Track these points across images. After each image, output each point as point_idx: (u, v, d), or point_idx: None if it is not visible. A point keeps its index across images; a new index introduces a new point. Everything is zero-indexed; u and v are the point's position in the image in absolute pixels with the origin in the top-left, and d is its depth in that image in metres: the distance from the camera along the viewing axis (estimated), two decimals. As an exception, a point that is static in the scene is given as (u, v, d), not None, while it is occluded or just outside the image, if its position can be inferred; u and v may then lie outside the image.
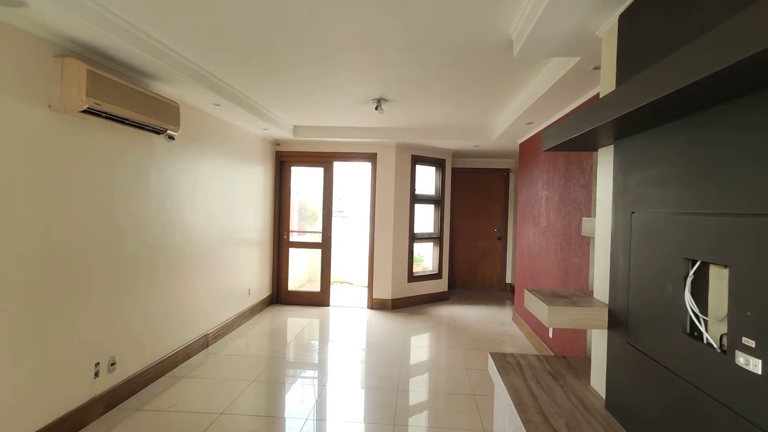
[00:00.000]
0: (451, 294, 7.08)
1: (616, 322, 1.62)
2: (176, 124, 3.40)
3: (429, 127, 5.68)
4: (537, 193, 4.85)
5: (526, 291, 1.98)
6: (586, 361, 2.10)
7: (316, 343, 4.82)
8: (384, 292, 6.29)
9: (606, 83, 1.85)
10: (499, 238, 7.95)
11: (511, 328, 5.45)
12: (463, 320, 5.80)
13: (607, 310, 1.69)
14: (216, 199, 4.57)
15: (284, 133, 5.68)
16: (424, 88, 3.90)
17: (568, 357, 2.13)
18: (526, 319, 5.19)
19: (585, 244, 3.39)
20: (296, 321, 5.67)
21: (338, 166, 6.53)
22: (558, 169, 4.15)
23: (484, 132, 5.73)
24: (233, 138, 4.95)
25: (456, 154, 7.20)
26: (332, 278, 7.97)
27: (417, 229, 6.66)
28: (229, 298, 4.96)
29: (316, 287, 6.65)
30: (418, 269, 6.75)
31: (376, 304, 6.29)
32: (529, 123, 4.56)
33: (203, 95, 3.71)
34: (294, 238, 7.02)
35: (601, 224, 1.86)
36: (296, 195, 7.91)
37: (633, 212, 1.51)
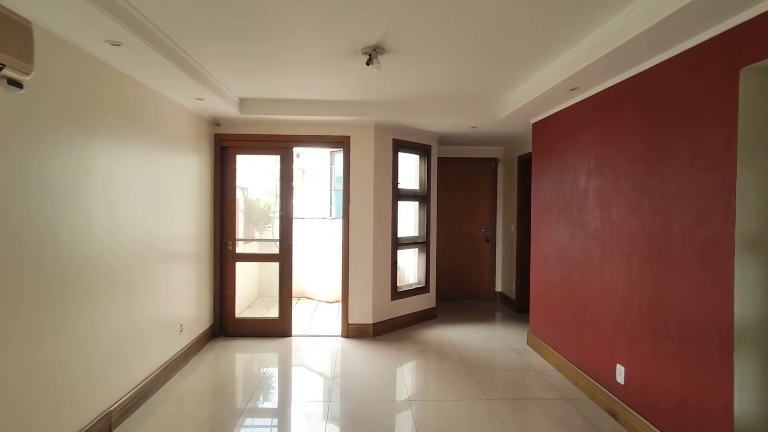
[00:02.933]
0: (437, 310, 5.84)
1: None
2: (25, 59, 1.84)
3: (421, 98, 4.37)
4: (575, 182, 3.68)
5: None
6: None
7: (286, 407, 3.37)
8: (363, 315, 4.91)
9: None
10: (487, 240, 6.82)
11: (533, 357, 4.28)
12: (467, 347, 4.56)
13: None
14: (125, 199, 2.99)
15: (227, 108, 4.14)
16: (443, 32, 2.61)
17: None
18: (553, 344, 4.03)
19: (714, 257, 2.22)
20: (249, 365, 4.16)
21: (300, 155, 5.06)
22: (630, 145, 2.98)
23: (492, 107, 4.50)
24: (150, 109, 3.36)
25: (440, 140, 5.95)
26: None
27: (400, 233, 5.34)
28: (149, 343, 3.37)
29: (273, 311, 5.14)
30: (401, 283, 5.44)
31: (353, 332, 4.89)
32: (573, 89, 3.37)
33: (87, 19, 2.15)
34: (242, 248, 5.45)
35: None
36: (244, 193, 6.31)
37: None
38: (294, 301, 6.82)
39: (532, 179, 4.66)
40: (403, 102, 4.45)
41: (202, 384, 3.62)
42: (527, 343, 4.65)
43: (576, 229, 3.66)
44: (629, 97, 2.96)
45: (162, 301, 3.56)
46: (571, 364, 3.70)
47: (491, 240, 6.81)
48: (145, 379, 3.29)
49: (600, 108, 3.31)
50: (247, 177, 6.04)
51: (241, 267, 5.31)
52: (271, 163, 4.95)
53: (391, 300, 5.13)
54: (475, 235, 6.84)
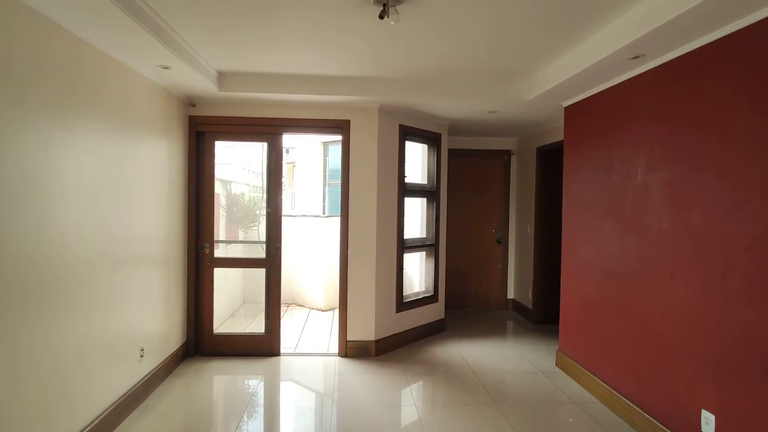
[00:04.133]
0: (446, 321, 5.15)
1: None
2: None
3: (437, 75, 3.66)
4: (629, 175, 3.00)
5: None
6: None
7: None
8: (363, 330, 4.19)
9: None
10: (498, 241, 6.14)
11: (567, 383, 3.61)
12: (486, 369, 3.88)
13: None
14: (64, 190, 2.23)
15: (203, 83, 3.39)
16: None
17: None
18: (594, 369, 3.36)
19: None
20: (228, 395, 3.43)
21: (290, 150, 4.33)
22: (725, 123, 2.31)
23: (519, 86, 3.82)
24: (98, 78, 2.61)
25: (449, 129, 5.24)
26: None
27: (406, 234, 4.64)
28: (98, 373, 2.62)
29: (259, 321, 4.41)
30: (406, 291, 4.74)
31: (352, 350, 4.18)
32: (636, 57, 2.69)
33: None
34: (222, 251, 4.69)
35: None
36: (226, 187, 5.56)
37: None
38: (283, 308, 6.11)
39: (565, 173, 3.98)
40: (415, 79, 3.74)
41: (166, 425, 2.88)
42: (557, 364, 3.98)
43: (630, 232, 2.98)
44: (724, 59, 2.28)
45: (116, 318, 2.81)
46: (622, 397, 3.03)
47: (503, 242, 6.14)
48: (93, 422, 2.55)
49: (673, 79, 2.63)
50: (228, 168, 5.29)
51: (222, 271, 4.57)
52: (256, 151, 4.20)
53: (397, 312, 4.43)
54: (484, 236, 6.17)
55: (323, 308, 6.04)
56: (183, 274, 3.97)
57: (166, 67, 3.01)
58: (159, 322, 3.47)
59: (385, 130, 4.23)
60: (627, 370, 3.00)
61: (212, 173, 4.11)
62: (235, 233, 5.66)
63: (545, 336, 4.86)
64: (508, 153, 6.13)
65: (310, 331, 5.02)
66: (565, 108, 3.94)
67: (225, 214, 5.45)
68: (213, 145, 4.10)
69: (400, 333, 4.46)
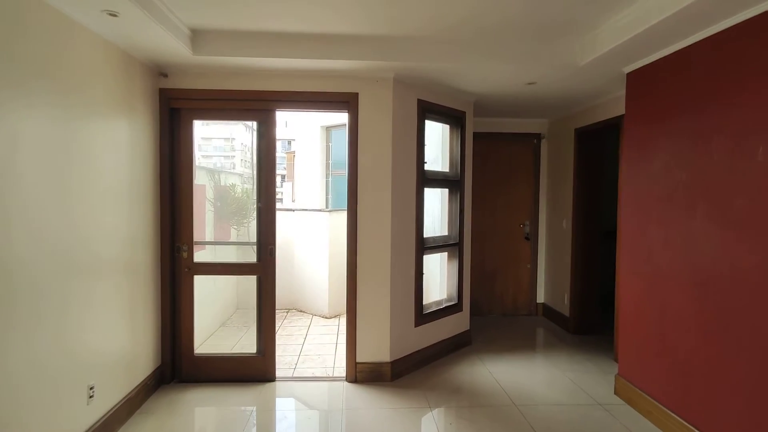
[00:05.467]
0: (471, 332, 4.39)
1: None
2: None
3: (467, 32, 2.88)
4: (740, 154, 2.22)
5: None
6: None
7: None
8: (377, 349, 3.45)
9: None
10: (527, 238, 5.38)
11: (636, 422, 2.85)
12: (530, 399, 3.14)
13: None
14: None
15: (170, 42, 2.62)
16: None
17: None
18: (680, 410, 2.61)
19: None
20: (207, 437, 2.70)
21: (288, 132, 3.58)
22: None
23: (572, 46, 3.04)
24: (18, 30, 1.84)
25: (474, 107, 4.45)
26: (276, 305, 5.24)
27: (427, 232, 3.88)
28: (23, 424, 1.90)
29: (249, 344, 3.67)
30: (426, 299, 3.99)
31: (363, 373, 3.43)
32: (769, -17, 1.90)
33: None
34: (207, 254, 3.96)
35: None
36: (213, 177, 4.81)
37: None
38: (282, 314, 5.41)
39: (624, 155, 3.21)
40: (441, 39, 2.96)
41: (119, 492, 2.16)
42: (616, 393, 3.23)
43: (739, 229, 2.21)
44: None
45: (49, 346, 2.08)
46: (726, 450, 2.28)
47: (532, 238, 5.37)
48: (8, 501, 1.82)
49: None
50: (214, 155, 4.53)
51: (206, 284, 3.83)
52: (243, 131, 3.44)
53: (416, 326, 3.68)
54: (511, 231, 5.40)
55: (327, 315, 5.31)
56: (155, 284, 3.23)
57: (113, 14, 2.23)
58: (120, 346, 2.74)
59: (401, 106, 3.46)
60: (735, 413, 2.24)
61: (191, 159, 3.36)
62: (226, 232, 4.92)
63: (590, 351, 4.11)
64: (538, 136, 5.34)
65: (313, 345, 4.29)
66: (629, 75, 3.15)
67: (213, 209, 4.70)
68: (190, 125, 3.34)
69: (419, 351, 3.72)
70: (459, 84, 3.67)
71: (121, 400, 2.72)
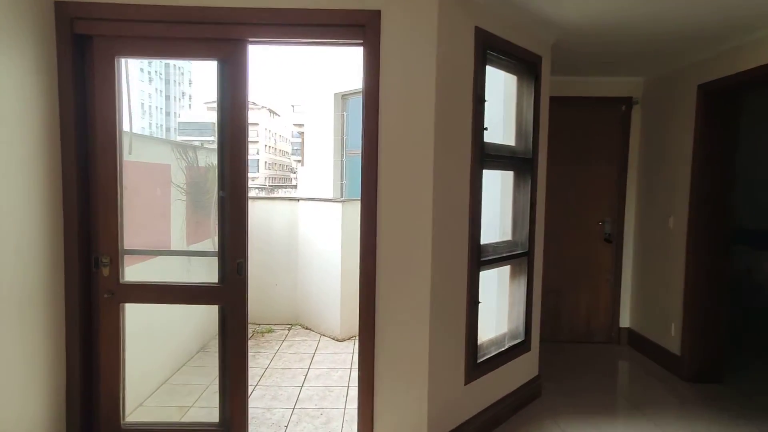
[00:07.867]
0: (541, 380, 3.08)
1: None
2: None
3: None
4: None
5: None
6: None
7: None
8: (406, 417, 2.17)
9: None
10: (607, 240, 3.99)
11: None
12: None
13: None
14: None
15: None
16: None
17: None
18: None
19: None
20: None
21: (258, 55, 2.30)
22: None
23: None
24: None
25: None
26: (275, 319, 4.17)
27: (484, 236, 2.54)
28: None
29: (209, 407, 2.41)
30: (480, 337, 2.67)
31: (384, 460, 2.17)
32: None
33: None
34: (143, 270, 2.72)
35: None
36: (187, 155, 3.61)
37: None
38: (284, 330, 4.29)
39: None
40: None
41: None
42: None
43: None
44: None
45: None
46: None
47: (614, 239, 3.98)
48: None
49: None
50: (145, 107, 3.30)
51: (141, 316, 2.62)
52: (202, 73, 2.27)
53: (467, 383, 2.38)
54: (585, 230, 4.03)
55: (339, 337, 4.08)
56: (56, 321, 2.03)
57: None
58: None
59: (449, 36, 2.12)
60: None
61: (114, 122, 2.11)
62: (206, 228, 3.70)
63: (729, 417, 2.74)
64: (627, 101, 3.91)
65: (316, 388, 3.08)
66: None
67: (185, 198, 3.49)
68: (112, 66, 2.09)
69: (471, 419, 2.43)
70: (543, 4, 2.31)
71: None
